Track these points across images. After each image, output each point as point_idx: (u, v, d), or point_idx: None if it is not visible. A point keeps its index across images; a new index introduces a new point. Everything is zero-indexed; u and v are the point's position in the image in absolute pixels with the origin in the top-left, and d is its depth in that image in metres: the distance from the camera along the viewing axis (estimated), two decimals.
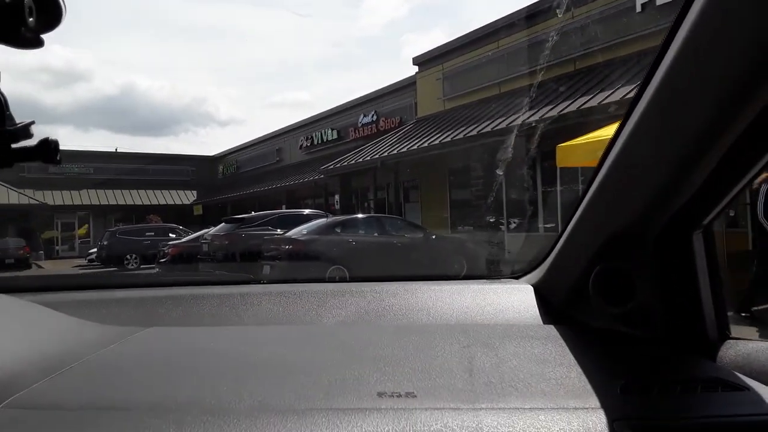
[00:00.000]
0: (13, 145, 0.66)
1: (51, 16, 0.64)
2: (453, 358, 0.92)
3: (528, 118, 11.62)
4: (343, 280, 1.78)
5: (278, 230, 10.69)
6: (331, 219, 10.94)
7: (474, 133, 12.85)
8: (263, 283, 1.54)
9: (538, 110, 11.68)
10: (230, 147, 33.16)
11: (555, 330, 1.03)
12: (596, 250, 1.00)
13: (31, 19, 0.61)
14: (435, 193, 16.06)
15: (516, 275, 1.34)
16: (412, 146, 14.98)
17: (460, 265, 9.13)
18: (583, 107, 10.63)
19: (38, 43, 0.65)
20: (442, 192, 15.84)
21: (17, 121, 0.66)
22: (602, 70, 11.58)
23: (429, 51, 17.22)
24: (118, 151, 32.03)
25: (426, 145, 14.37)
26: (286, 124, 27.21)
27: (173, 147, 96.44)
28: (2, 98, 0.65)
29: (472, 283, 1.34)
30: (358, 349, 0.98)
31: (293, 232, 9.88)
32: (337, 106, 23.39)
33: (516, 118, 12.09)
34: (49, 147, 0.67)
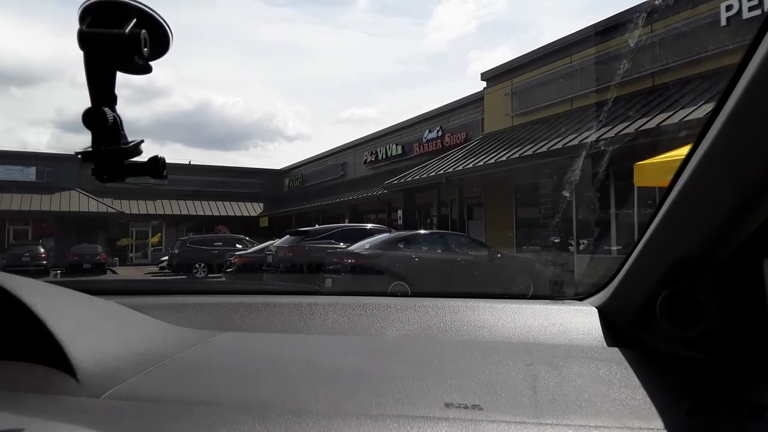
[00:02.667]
0: (126, 161, 0.72)
1: (161, 45, 0.71)
2: (517, 374, 0.93)
3: (602, 135, 11.15)
4: (405, 294, 1.76)
5: (341, 244, 10.70)
6: (394, 234, 10.84)
7: (543, 149, 12.46)
8: (329, 295, 1.59)
9: (614, 127, 11.19)
10: (296, 161, 33.90)
11: (620, 352, 1.03)
12: (664, 273, 0.98)
13: (145, 49, 0.68)
14: (500, 211, 15.69)
15: (580, 297, 1.33)
16: (477, 162, 14.72)
17: (525, 285, 8.80)
18: (662, 124, 10.09)
19: (148, 70, 0.72)
20: (508, 210, 15.45)
21: (129, 140, 0.73)
22: (684, 86, 10.98)
23: (498, 66, 16.98)
24: (191, 163, 33.38)
25: (492, 161, 14.08)
26: (352, 139, 27.53)
27: (242, 161, 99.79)
28: (119, 119, 0.70)
29: (534, 303, 1.33)
30: (423, 362, 1.00)
31: (356, 247, 9.84)
32: (402, 122, 23.44)
33: (589, 135, 11.63)
34: (157, 164, 0.73)
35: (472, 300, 1.38)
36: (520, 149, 13.49)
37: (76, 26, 0.69)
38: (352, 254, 9.51)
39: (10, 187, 26.34)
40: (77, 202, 27.28)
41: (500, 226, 15.46)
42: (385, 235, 10.61)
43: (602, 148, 10.30)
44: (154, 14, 0.72)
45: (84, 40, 0.68)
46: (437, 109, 21.13)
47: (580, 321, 1.18)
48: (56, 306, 0.95)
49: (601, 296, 1.21)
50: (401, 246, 9.97)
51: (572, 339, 1.12)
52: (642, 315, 1.05)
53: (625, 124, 10.97)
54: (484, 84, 17.78)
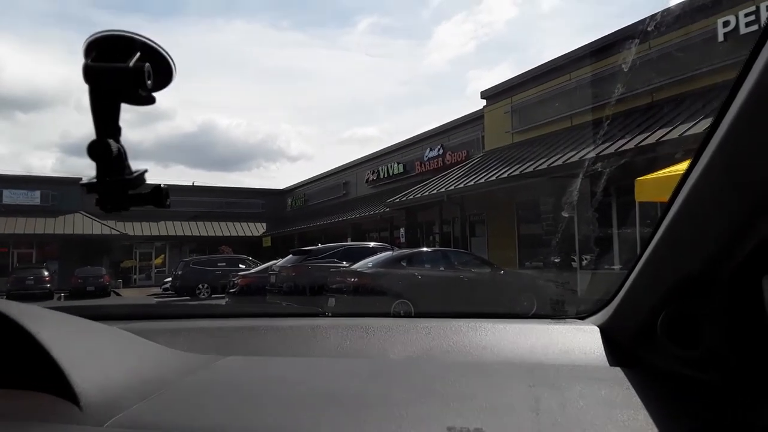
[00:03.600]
0: (130, 192, 0.73)
1: (164, 77, 0.72)
2: (519, 397, 0.92)
3: (602, 151, 11.20)
4: (407, 315, 1.86)
5: (344, 263, 10.67)
6: (397, 252, 10.82)
7: (544, 166, 12.52)
8: (330, 317, 1.59)
9: (614, 143, 11.25)
10: (299, 180, 34.02)
11: (622, 372, 1.02)
12: (664, 293, 0.98)
13: (149, 82, 0.69)
14: (502, 228, 15.70)
15: (581, 316, 1.33)
16: (479, 180, 14.76)
17: (529, 303, 8.77)
18: (662, 139, 10.14)
19: (152, 101, 0.73)
20: (510, 227, 15.46)
21: (133, 170, 0.74)
22: (683, 102, 11.06)
23: (498, 84, 17.13)
24: (194, 185, 33.50)
25: (494, 178, 14.12)
26: (354, 159, 27.64)
27: (246, 181, 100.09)
28: (123, 151, 0.72)
29: (536, 322, 1.34)
30: (425, 385, 1.00)
31: (359, 265, 9.82)
32: (403, 140, 23.58)
33: (589, 152, 11.69)
34: (160, 193, 0.75)
35: (474, 320, 1.37)
36: (521, 166, 13.54)
37: (82, 54, 0.71)
38: (355, 273, 9.48)
39: (14, 211, 26.49)
40: (81, 225, 27.35)
41: (502, 243, 15.45)
42: (387, 254, 10.58)
43: (602, 164, 10.33)
44: (157, 48, 0.73)
45: (89, 73, 0.69)
46: (438, 127, 21.27)
47: (582, 340, 1.17)
48: (60, 333, 0.95)
49: (603, 315, 1.21)
50: (404, 264, 9.94)
51: (574, 359, 1.12)
52: (643, 334, 1.04)
53: (625, 140, 11.03)
54: (484, 102, 17.91)
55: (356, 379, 1.05)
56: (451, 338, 1.25)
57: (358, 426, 0.82)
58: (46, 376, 0.84)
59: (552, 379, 0.99)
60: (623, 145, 10.87)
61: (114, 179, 0.73)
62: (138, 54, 0.71)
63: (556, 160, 12.34)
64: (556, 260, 12.34)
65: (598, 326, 1.21)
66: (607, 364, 1.09)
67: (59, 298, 20.98)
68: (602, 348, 1.13)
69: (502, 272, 10.63)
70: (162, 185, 0.76)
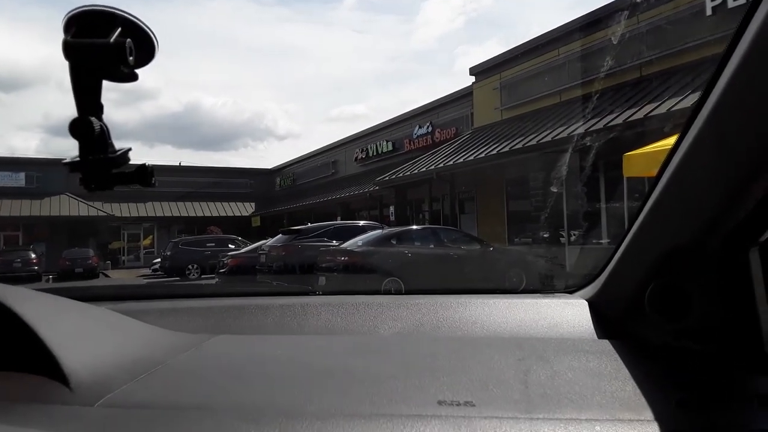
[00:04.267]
0: (114, 170, 0.72)
1: (146, 53, 0.71)
2: (509, 370, 0.94)
3: (591, 126, 11.20)
4: (398, 292, 1.80)
5: (334, 241, 10.67)
6: (387, 230, 10.82)
7: (533, 142, 12.52)
8: (321, 295, 1.59)
9: (602, 118, 11.25)
10: (287, 160, 33.82)
11: (610, 345, 1.03)
12: (652, 265, 0.99)
13: (131, 58, 0.68)
14: (491, 205, 15.75)
15: (570, 290, 1.34)
16: (468, 157, 14.75)
17: (518, 278, 8.84)
18: (650, 114, 10.15)
19: (134, 78, 0.72)
20: (499, 203, 15.51)
21: (117, 148, 0.72)
22: (671, 76, 11.05)
23: (486, 60, 17.01)
24: (181, 165, 33.16)
25: (483, 155, 14.12)
26: (342, 137, 27.48)
27: (233, 161, 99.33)
28: (105, 128, 0.70)
29: (525, 297, 1.34)
30: (416, 360, 1.01)
31: (349, 244, 9.83)
32: (392, 118, 23.44)
33: (578, 127, 11.69)
34: (145, 172, 0.73)
35: (464, 296, 1.39)
36: (510, 143, 13.53)
37: (61, 30, 0.69)
38: (345, 252, 9.49)
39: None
40: (67, 206, 27.09)
41: (492, 220, 15.52)
42: (377, 232, 10.58)
43: (590, 140, 10.34)
44: (138, 23, 0.72)
45: (69, 50, 0.68)
46: (427, 104, 21.16)
47: (570, 314, 1.19)
48: (47, 314, 0.94)
49: (591, 288, 1.23)
50: (394, 242, 9.96)
51: (563, 332, 1.13)
52: (632, 306, 1.05)
53: (614, 116, 11.03)
54: (472, 79, 17.80)
55: (347, 355, 1.06)
56: (441, 314, 1.26)
57: (350, 401, 0.83)
58: (34, 358, 0.83)
59: (541, 352, 1.00)
60: (612, 120, 10.88)
61: (97, 158, 0.71)
62: (119, 29, 0.70)
63: (545, 136, 12.35)
64: (544, 236, 12.42)
65: (586, 300, 1.22)
66: (596, 336, 1.10)
67: (47, 281, 20.84)
68: (590, 321, 1.14)
69: (491, 249, 10.69)
70: (147, 164, 0.74)
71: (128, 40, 0.69)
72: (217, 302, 1.46)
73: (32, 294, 1.02)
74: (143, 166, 0.74)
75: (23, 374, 0.84)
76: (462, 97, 18.88)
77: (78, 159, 0.72)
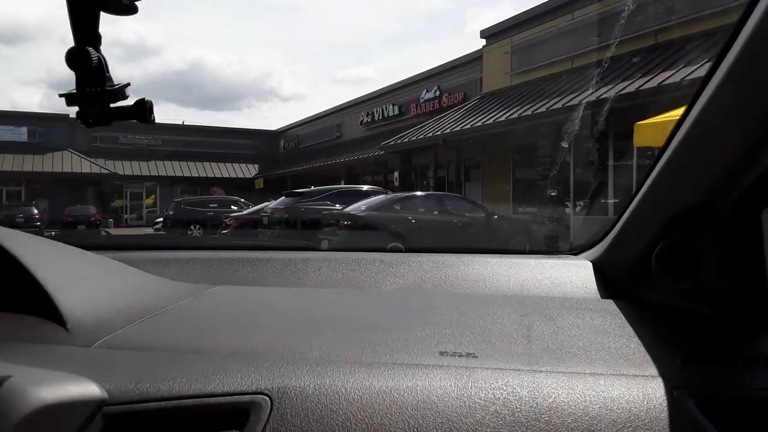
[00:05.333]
0: (112, 105, 0.70)
1: None
2: (511, 324, 0.93)
3: (602, 94, 10.94)
4: (400, 250, 1.82)
5: (337, 205, 10.59)
6: (391, 195, 10.74)
7: (543, 109, 12.27)
8: (322, 251, 1.58)
9: (614, 86, 10.97)
10: (292, 122, 33.48)
11: (614, 304, 1.03)
12: (661, 226, 0.98)
13: None
14: (498, 172, 15.56)
15: (575, 251, 1.34)
16: (476, 123, 14.51)
17: (522, 246, 8.75)
18: (664, 83, 9.88)
19: (134, 10, 0.69)
20: (506, 170, 15.32)
21: (115, 83, 0.70)
22: (687, 44, 10.72)
23: (498, 23, 16.59)
24: (185, 123, 32.91)
25: (491, 121, 13.88)
26: (348, 100, 27.12)
27: (237, 121, 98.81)
28: (104, 60, 0.68)
29: (529, 257, 1.34)
30: (418, 313, 1.00)
31: (352, 208, 9.75)
32: (399, 82, 23.06)
33: (589, 94, 11.42)
34: (144, 107, 0.71)
35: (467, 255, 1.37)
36: (519, 109, 13.28)
37: None
38: (349, 215, 9.42)
39: (1, 147, 25.99)
40: (70, 162, 26.98)
41: (498, 187, 15.36)
42: (381, 197, 10.50)
43: (601, 108, 10.12)
44: None
45: None
46: (435, 68, 20.78)
47: (574, 274, 1.19)
48: (44, 257, 0.93)
49: (596, 250, 1.22)
50: (398, 207, 9.88)
51: (566, 292, 1.13)
52: (638, 267, 1.04)
53: (626, 83, 10.76)
54: (483, 42, 17.40)
55: (348, 307, 1.05)
56: (443, 271, 1.25)
57: (350, 350, 0.82)
58: (32, 300, 0.84)
59: (544, 309, 1.00)
60: (624, 88, 10.61)
61: (95, 90, 0.69)
62: None
63: (555, 103, 12.09)
64: (551, 203, 12.28)
65: (591, 261, 1.21)
66: (599, 296, 1.10)
67: (50, 236, 20.85)
68: (594, 282, 1.15)
69: (495, 216, 10.59)
70: (146, 99, 0.71)
71: None
72: (217, 254, 1.44)
73: (29, 237, 1.01)
74: (142, 100, 0.71)
75: (20, 315, 0.84)
76: (471, 61, 18.51)
77: (75, 91, 0.70)
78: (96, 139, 28.49)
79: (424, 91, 20.91)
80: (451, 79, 19.72)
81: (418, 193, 12.44)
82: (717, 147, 0.84)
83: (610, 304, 1.03)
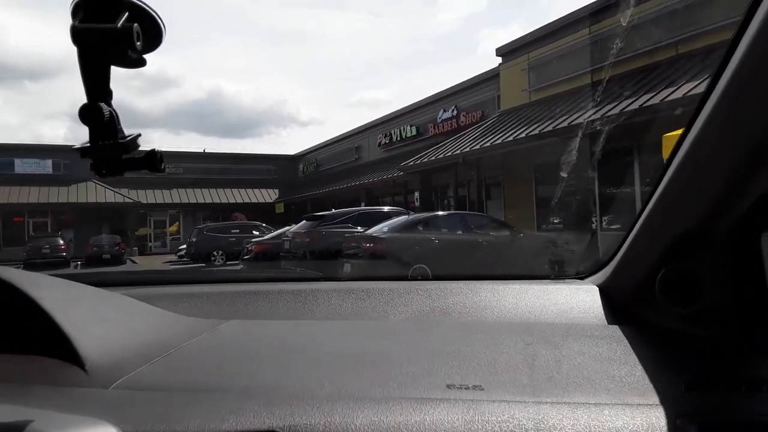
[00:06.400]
0: (124, 156, 0.72)
1: (153, 38, 0.71)
2: (517, 354, 0.94)
3: (626, 107, 10.75)
4: (408, 278, 1.82)
5: (358, 228, 10.48)
6: (413, 216, 10.60)
7: (564, 125, 12.09)
8: (332, 281, 1.59)
9: (638, 98, 10.78)
10: (310, 146, 33.69)
11: (619, 330, 1.03)
12: (663, 250, 0.99)
13: (138, 43, 0.68)
14: (519, 190, 15.35)
15: (581, 276, 1.34)
16: (495, 140, 14.37)
17: (550, 265, 8.52)
18: (689, 94, 9.67)
19: (142, 63, 0.72)
20: (527, 188, 15.10)
21: (126, 134, 0.73)
22: (710, 54, 10.51)
23: (514, 41, 16.52)
24: (205, 151, 33.32)
25: (511, 138, 13.73)
26: (365, 122, 27.23)
27: (257, 148, 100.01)
28: (115, 114, 0.71)
29: (535, 283, 1.35)
30: (425, 345, 1.02)
31: (374, 230, 9.62)
32: (415, 102, 23.08)
33: (612, 108, 11.24)
34: (155, 157, 0.74)
35: (474, 282, 1.39)
36: (539, 126, 13.12)
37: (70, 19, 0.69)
38: (371, 238, 9.29)
39: (27, 180, 26.51)
40: (94, 193, 27.38)
41: (520, 205, 15.14)
42: (403, 218, 10.38)
43: (625, 121, 9.93)
44: (145, 7, 0.71)
45: (77, 35, 0.67)
46: (451, 87, 20.75)
47: (580, 300, 1.18)
48: (62, 299, 0.94)
49: (602, 274, 1.22)
50: (421, 228, 9.75)
51: (572, 318, 1.13)
52: (642, 292, 1.05)
53: (650, 95, 10.56)
54: (499, 60, 17.34)
55: (357, 339, 1.07)
56: (451, 299, 1.26)
57: (360, 385, 0.83)
58: (50, 342, 0.85)
59: (549, 337, 1.00)
60: (648, 100, 10.41)
61: (107, 143, 0.72)
62: (126, 14, 0.69)
63: (577, 118, 11.91)
64: (576, 221, 12.04)
65: (597, 286, 1.21)
66: (606, 322, 1.10)
67: (75, 266, 21.13)
68: (601, 307, 1.14)
69: (521, 235, 10.38)
70: (156, 149, 0.75)
71: (135, 24, 0.69)
72: (229, 288, 1.47)
73: (48, 280, 1.03)
74: (153, 151, 0.74)
75: (40, 357, 0.85)
76: (488, 79, 18.45)
77: (89, 145, 0.72)
78: None
79: (441, 111, 20.87)
80: (469, 98, 19.67)
81: (441, 213, 12.30)
82: (715, 170, 0.84)
83: (615, 330, 1.03)
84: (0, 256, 23.34)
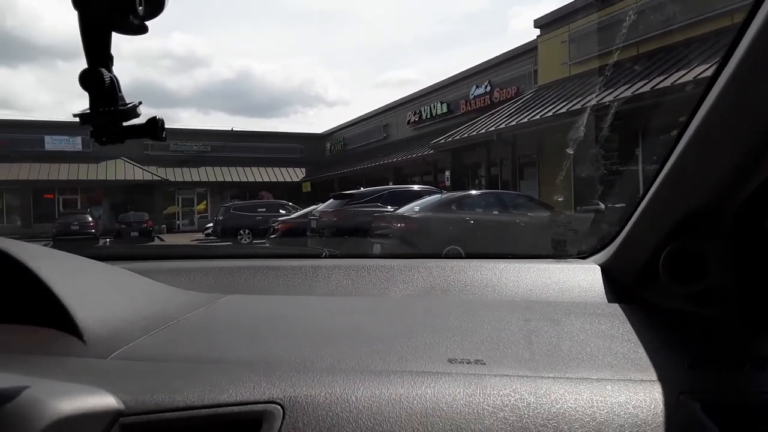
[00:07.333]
0: (125, 123, 0.72)
1: (155, 4, 0.69)
2: (519, 330, 0.94)
3: (677, 80, 10.00)
4: (409, 256, 1.72)
5: (388, 207, 10.06)
6: (447, 195, 10.12)
7: (609, 98, 11.37)
8: (332, 258, 1.56)
9: (690, 70, 10.02)
10: (337, 124, 33.28)
11: (622, 308, 1.03)
12: (668, 230, 0.98)
13: (140, 8, 0.67)
14: (556, 169, 14.67)
15: (583, 255, 1.33)
16: (533, 116, 13.69)
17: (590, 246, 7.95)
18: None
19: (144, 30, 0.71)
20: (565, 167, 14.42)
21: (128, 102, 0.72)
22: None
23: (554, 11, 15.73)
24: (233, 130, 33.23)
25: (550, 114, 13.04)
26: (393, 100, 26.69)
27: (284, 127, 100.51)
28: (116, 80, 0.70)
29: (537, 262, 1.35)
30: (426, 320, 1.01)
31: (405, 209, 9.20)
32: (446, 79, 22.41)
33: (661, 81, 10.48)
34: (156, 125, 0.73)
35: (476, 260, 1.39)
36: (581, 100, 12.41)
37: None
38: (402, 218, 8.86)
39: (57, 157, 26.76)
40: (123, 170, 27.58)
41: (556, 185, 14.48)
42: (436, 197, 9.90)
43: (679, 93, 9.23)
44: None
45: (77, 0, 0.66)
46: (485, 62, 20.09)
47: (582, 279, 1.18)
48: (61, 270, 0.94)
49: (605, 254, 1.21)
50: (454, 208, 9.26)
51: (574, 296, 1.14)
52: (645, 271, 1.04)
53: (704, 67, 9.78)
54: (536, 33, 16.55)
55: (357, 315, 1.07)
56: (452, 277, 1.26)
57: (360, 358, 0.83)
58: (49, 312, 0.85)
59: (551, 314, 1.01)
60: (701, 72, 9.64)
61: (107, 110, 0.70)
62: None
63: (624, 91, 11.17)
64: (617, 200, 11.40)
65: (599, 265, 1.21)
66: (607, 301, 1.10)
67: (104, 243, 21.27)
68: (602, 286, 1.15)
69: (561, 215, 9.80)
70: (157, 117, 0.73)
71: None
72: (229, 263, 1.46)
73: (47, 251, 1.02)
74: (154, 118, 0.73)
75: (38, 327, 0.86)
76: (524, 53, 17.73)
77: (88, 111, 0.70)
78: (147, 146, 29.03)
79: (474, 87, 20.21)
80: (503, 74, 18.96)
81: (476, 191, 11.74)
82: (721, 151, 0.83)
83: (617, 309, 1.04)
84: (30, 232, 23.66)
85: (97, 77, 0.68)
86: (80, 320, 0.83)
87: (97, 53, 0.69)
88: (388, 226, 8.88)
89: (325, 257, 1.56)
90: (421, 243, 8.25)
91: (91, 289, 0.97)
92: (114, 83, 0.70)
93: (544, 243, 8.52)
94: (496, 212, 9.50)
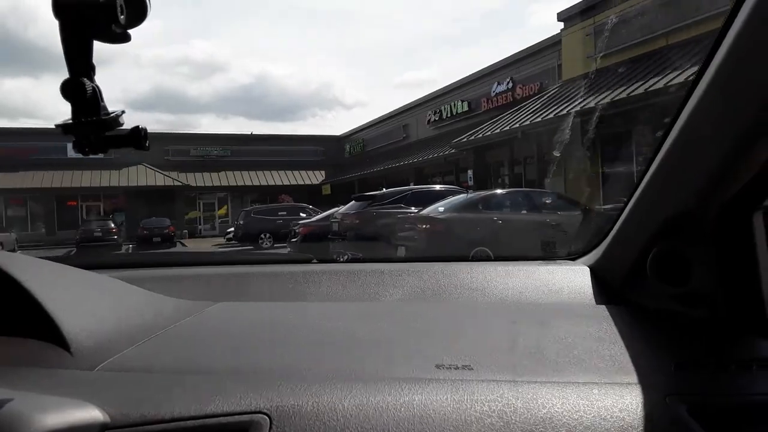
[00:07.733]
0: (107, 133, 0.71)
1: (138, 12, 0.68)
2: (507, 334, 0.94)
3: None
4: (398, 260, 1.78)
5: (412, 208, 9.78)
6: (472, 195, 9.80)
7: (641, 91, 10.94)
8: (323, 263, 1.55)
9: None
10: (356, 126, 33.10)
11: (610, 310, 1.04)
12: (654, 231, 0.99)
13: (122, 17, 0.66)
14: (583, 166, 14.24)
15: (572, 257, 1.33)
16: (559, 112, 13.29)
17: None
18: None
19: (126, 39, 0.71)
20: (593, 164, 13.98)
21: (111, 110, 0.71)
22: None
23: (578, 3, 15.31)
24: (252, 134, 33.26)
25: (578, 108, 12.63)
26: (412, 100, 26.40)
27: (302, 131, 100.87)
28: (98, 90, 0.69)
29: (527, 264, 1.36)
30: (416, 325, 1.02)
31: (430, 210, 8.90)
32: (467, 76, 22.03)
33: (694, 73, 10.02)
34: (139, 134, 0.72)
35: (465, 263, 1.45)
36: (610, 93, 11.99)
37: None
38: (427, 219, 8.58)
39: (80, 164, 27.02)
40: (144, 176, 27.77)
41: (583, 182, 14.05)
42: (461, 197, 9.60)
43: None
44: None
45: (59, 8, 0.66)
46: (506, 59, 19.68)
47: (571, 280, 1.18)
48: (47, 280, 0.93)
49: (594, 255, 1.22)
50: (481, 208, 8.93)
51: (563, 298, 1.14)
52: (633, 272, 1.05)
53: None
54: (560, 26, 16.14)
55: (346, 320, 1.07)
56: (442, 281, 1.27)
57: (349, 365, 0.83)
58: (35, 324, 0.84)
59: (540, 317, 1.02)
60: None
61: (89, 120, 0.69)
62: None
63: (656, 83, 10.73)
64: None
65: (588, 266, 1.22)
66: (596, 302, 1.10)
67: (127, 249, 21.36)
68: (591, 287, 1.15)
69: (593, 214, 9.41)
70: (140, 126, 0.73)
71: None
72: (219, 270, 1.47)
73: (34, 261, 1.01)
74: (137, 128, 0.73)
75: (24, 339, 0.84)
76: (546, 48, 17.30)
77: (70, 121, 0.70)
78: (168, 152, 29.14)
79: (496, 84, 19.85)
80: (525, 69, 18.56)
81: (501, 191, 11.39)
82: (707, 150, 0.84)
83: (605, 310, 1.04)
84: (54, 239, 23.87)
85: (79, 87, 0.67)
86: (67, 332, 0.83)
87: (79, 63, 0.68)
88: (413, 227, 8.63)
89: (315, 263, 1.56)
90: (447, 245, 7.97)
91: (79, 299, 0.96)
92: (96, 93, 0.69)
93: (577, 240, 8.16)
94: (525, 211, 9.15)
